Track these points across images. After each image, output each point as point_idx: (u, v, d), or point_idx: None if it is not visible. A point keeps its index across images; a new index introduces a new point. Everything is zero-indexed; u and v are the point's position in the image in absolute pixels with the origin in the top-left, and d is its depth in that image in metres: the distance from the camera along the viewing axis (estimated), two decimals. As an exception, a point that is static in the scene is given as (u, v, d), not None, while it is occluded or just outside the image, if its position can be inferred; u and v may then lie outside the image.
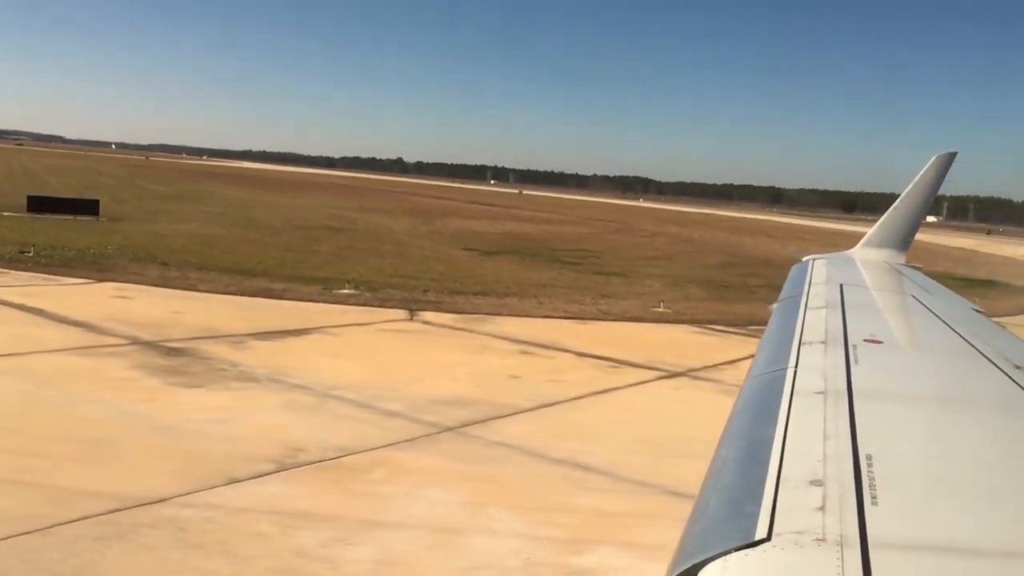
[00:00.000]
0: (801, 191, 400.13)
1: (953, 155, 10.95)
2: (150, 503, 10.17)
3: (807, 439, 2.84)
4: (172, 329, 19.92)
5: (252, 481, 11.19)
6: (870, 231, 11.55)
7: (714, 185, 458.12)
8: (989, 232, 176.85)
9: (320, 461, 12.13)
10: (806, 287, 7.13)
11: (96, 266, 28.86)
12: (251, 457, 11.99)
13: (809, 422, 3.05)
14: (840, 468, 2.54)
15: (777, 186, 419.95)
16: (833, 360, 4.17)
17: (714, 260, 54.21)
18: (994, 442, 3.16)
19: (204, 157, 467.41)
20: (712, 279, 42.23)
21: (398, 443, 13.23)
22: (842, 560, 1.93)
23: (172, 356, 17.48)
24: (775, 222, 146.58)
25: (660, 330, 26.14)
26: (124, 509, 9.91)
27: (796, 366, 4.04)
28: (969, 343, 5.08)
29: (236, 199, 79.15)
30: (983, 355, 4.69)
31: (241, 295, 25.92)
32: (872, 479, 2.46)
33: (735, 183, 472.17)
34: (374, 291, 28.52)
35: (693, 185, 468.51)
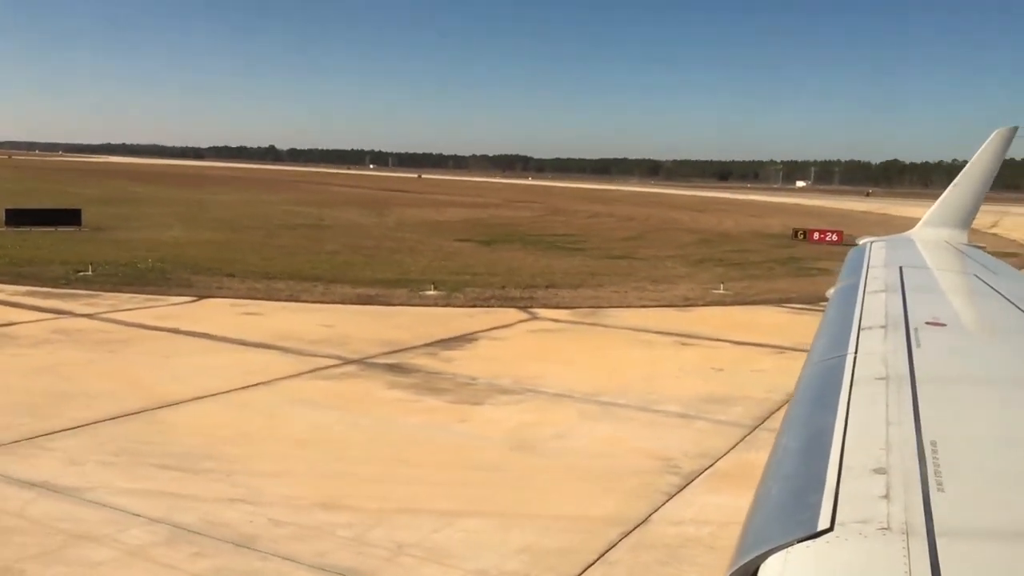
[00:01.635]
0: (676, 162, 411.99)
1: (1014, 130, 10.67)
2: (641, 524, 10.52)
3: (869, 426, 2.79)
4: (353, 344, 19.71)
5: (686, 493, 11.63)
6: (929, 211, 11.37)
7: (591, 160, 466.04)
8: (868, 194, 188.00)
9: (705, 469, 12.63)
10: (864, 271, 7.00)
11: (167, 281, 27.80)
12: (645, 471, 12.37)
13: (871, 409, 2.99)
14: (904, 455, 2.49)
15: (653, 158, 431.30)
16: (894, 345, 4.08)
17: (688, 239, 55.94)
18: None
19: (60, 153, 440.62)
20: (715, 257, 43.88)
21: (736, 446, 13.83)
22: (908, 549, 1.89)
23: (399, 372, 17.41)
24: (682, 195, 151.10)
25: (759, 312, 27.37)
26: (630, 532, 10.23)
27: (856, 352, 3.96)
28: None
29: (173, 199, 75.91)
30: None
31: (346, 303, 25.65)
32: (937, 466, 2.40)
33: (610, 157, 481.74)
34: (455, 291, 28.62)
35: (571, 161, 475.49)
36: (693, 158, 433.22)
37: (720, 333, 23.08)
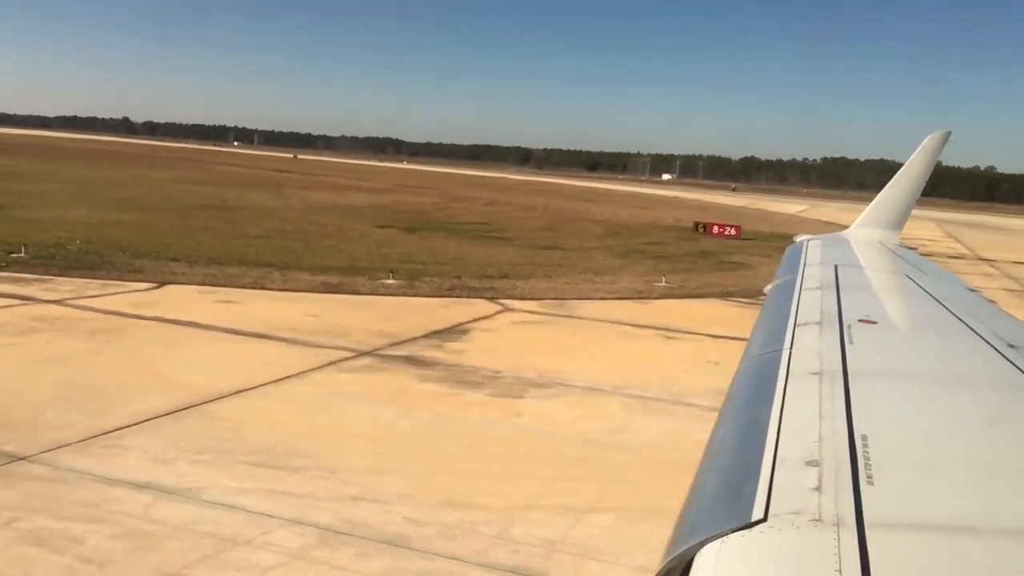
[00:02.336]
0: (546, 151, 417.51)
1: (947, 134, 11.01)
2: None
3: (803, 420, 2.86)
4: (353, 335, 19.46)
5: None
6: (864, 212, 11.76)
7: (464, 146, 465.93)
8: (734, 189, 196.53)
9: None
10: (800, 268, 7.17)
11: (110, 266, 26.44)
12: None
13: (805, 403, 3.06)
14: (836, 448, 2.55)
15: (523, 146, 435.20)
16: (828, 341, 4.18)
17: (598, 230, 57.19)
18: (988, 421, 3.14)
19: None
20: (636, 249, 45.11)
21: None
22: (838, 540, 1.94)
23: (418, 365, 17.37)
24: (563, 184, 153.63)
25: (712, 306, 28.53)
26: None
27: (791, 347, 4.05)
28: (963, 322, 5.12)
29: (54, 175, 71.36)
30: (977, 334, 4.73)
31: (314, 291, 25.18)
32: (867, 459, 2.46)
33: (481, 143, 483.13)
34: (413, 280, 28.53)
35: (443, 146, 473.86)
36: (562, 147, 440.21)
37: (693, 327, 24.01)
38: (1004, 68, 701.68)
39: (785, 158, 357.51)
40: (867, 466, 2.41)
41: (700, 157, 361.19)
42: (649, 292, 30.37)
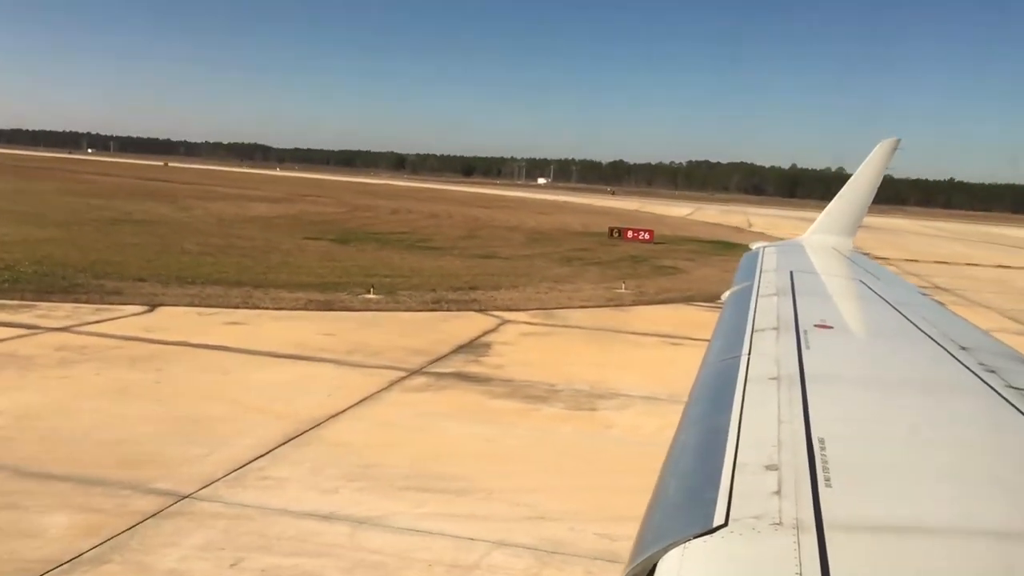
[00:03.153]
0: (420, 156, 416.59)
1: (897, 141, 11.22)
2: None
3: (762, 425, 2.88)
4: (387, 353, 19.45)
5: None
6: (818, 219, 12.04)
7: (335, 152, 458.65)
8: (613, 192, 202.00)
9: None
10: (757, 275, 7.26)
11: (81, 288, 25.27)
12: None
13: (763, 408, 3.09)
14: (795, 452, 2.58)
15: (396, 151, 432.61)
16: (785, 346, 4.23)
17: (518, 237, 57.87)
18: (942, 423, 3.19)
19: None
20: (571, 256, 45.99)
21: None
22: (798, 543, 1.98)
23: (475, 381, 17.59)
24: (450, 190, 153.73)
25: (687, 311, 29.72)
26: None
27: (749, 353, 4.09)
28: (916, 326, 5.19)
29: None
30: (930, 337, 4.81)
31: (308, 309, 24.88)
32: (826, 462, 2.50)
33: (352, 149, 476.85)
34: (390, 293, 28.54)
35: (313, 152, 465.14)
36: (436, 152, 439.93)
37: (687, 332, 25.01)
38: (849, 69, 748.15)
39: (653, 161, 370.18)
40: (825, 469, 2.45)
41: (573, 161, 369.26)
42: (620, 300, 31.31)
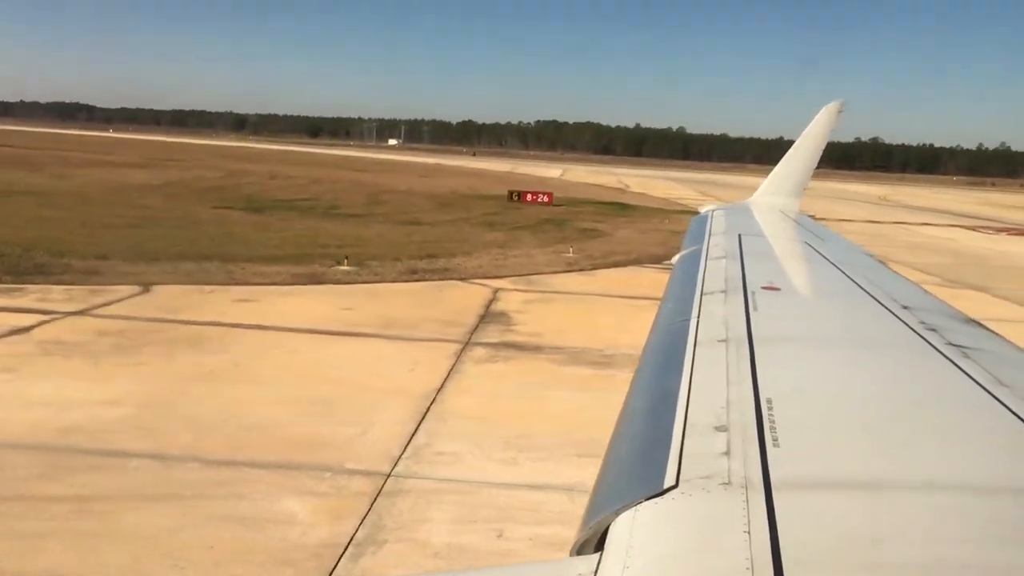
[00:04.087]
0: (261, 116, 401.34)
1: (841, 103, 11.28)
2: None
3: (711, 387, 2.94)
4: (424, 326, 19.66)
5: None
6: (765, 181, 12.21)
7: (166, 111, 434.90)
8: (475, 154, 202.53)
9: None
10: (706, 238, 7.31)
11: (48, 269, 23.97)
12: None
13: (712, 370, 3.16)
14: (743, 413, 2.64)
15: (235, 111, 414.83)
16: (733, 309, 4.29)
17: (423, 203, 57.48)
18: (886, 380, 3.31)
19: None
20: (491, 221, 46.45)
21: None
22: (747, 502, 2.02)
23: (529, 351, 18.22)
24: (312, 152, 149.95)
25: (650, 273, 31.15)
26: None
27: (699, 316, 4.13)
28: (860, 286, 5.24)
29: None
30: (873, 297, 4.87)
31: (297, 283, 24.61)
32: (773, 422, 2.55)
33: (185, 108, 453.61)
34: (359, 265, 28.46)
35: (142, 112, 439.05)
36: (278, 112, 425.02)
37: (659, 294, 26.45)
38: (686, 34, 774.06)
39: (502, 121, 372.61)
40: (772, 429, 2.49)
41: (424, 122, 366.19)
42: (576, 264, 32.37)
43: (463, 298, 23.80)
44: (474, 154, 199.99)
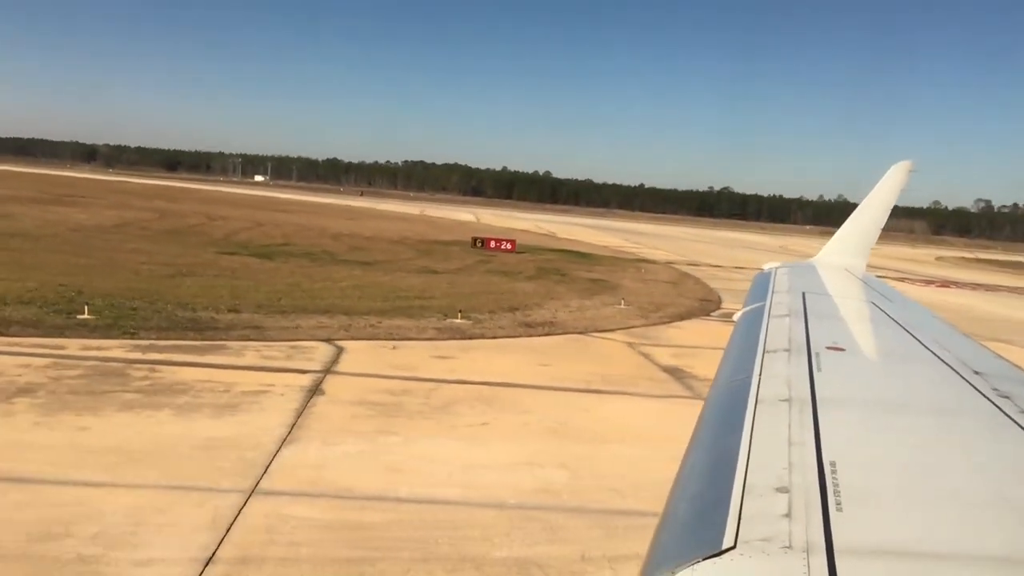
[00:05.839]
0: (112, 147, 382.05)
1: (910, 164, 11.36)
2: None
3: (772, 447, 2.87)
4: (643, 384, 20.89)
5: None
6: (831, 240, 12.13)
7: (5, 139, 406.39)
8: (362, 193, 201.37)
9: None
10: (769, 296, 7.21)
11: (194, 326, 23.53)
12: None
13: (774, 430, 3.08)
14: (805, 475, 2.57)
15: (82, 141, 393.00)
16: (797, 368, 4.20)
17: (403, 250, 56.98)
18: (955, 448, 3.19)
19: None
20: (499, 269, 47.33)
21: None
22: (808, 566, 1.98)
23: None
24: (200, 189, 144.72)
25: (717, 326, 33.14)
26: None
27: (760, 374, 4.06)
28: (929, 349, 5.20)
29: None
30: (943, 361, 4.82)
31: (451, 339, 25.12)
32: (836, 486, 2.49)
33: (26, 137, 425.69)
34: (472, 319, 28.98)
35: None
36: (130, 144, 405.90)
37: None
38: (557, 77, 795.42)
39: (368, 160, 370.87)
40: (836, 493, 2.45)
41: (292, 159, 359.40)
42: (646, 317, 33.89)
43: (618, 353, 25.00)
44: (361, 194, 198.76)
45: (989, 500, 2.61)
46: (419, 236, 69.76)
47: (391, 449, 14.03)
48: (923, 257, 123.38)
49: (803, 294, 7.27)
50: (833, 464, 2.66)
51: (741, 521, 2.20)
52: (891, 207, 11.24)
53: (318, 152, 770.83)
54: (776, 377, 3.94)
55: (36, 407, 14.56)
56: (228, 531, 10.26)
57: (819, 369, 4.16)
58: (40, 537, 9.70)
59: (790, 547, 2.05)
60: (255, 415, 15.26)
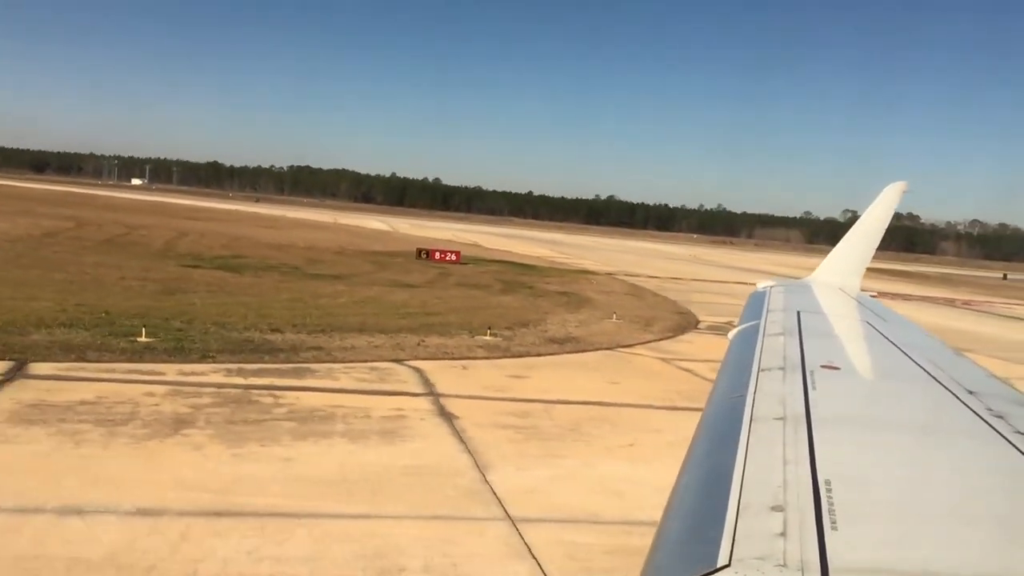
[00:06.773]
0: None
1: (904, 184, 11.27)
2: None
3: (767, 465, 2.88)
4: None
5: None
6: (825, 259, 12.12)
7: None
8: (258, 200, 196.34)
9: None
10: (764, 314, 7.27)
11: (252, 347, 23.22)
12: None
13: (769, 448, 3.08)
14: (800, 493, 2.58)
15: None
16: (792, 386, 4.22)
17: (356, 262, 56.91)
18: (949, 467, 3.21)
19: None
20: (459, 282, 47.67)
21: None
22: None
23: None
24: (89, 194, 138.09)
25: (712, 339, 34.60)
26: None
27: (755, 392, 4.06)
28: (923, 368, 5.22)
29: None
30: (936, 380, 4.83)
31: (502, 357, 25.50)
32: (831, 504, 2.50)
33: None
34: (496, 336, 29.47)
35: None
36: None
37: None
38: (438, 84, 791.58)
39: (251, 165, 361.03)
40: (831, 511, 2.46)
41: (171, 161, 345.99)
42: (647, 331, 34.94)
43: (662, 369, 25.91)
44: (257, 200, 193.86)
45: (983, 519, 2.64)
46: (355, 247, 68.93)
47: (581, 472, 14.36)
48: (807, 263, 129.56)
49: (798, 313, 7.26)
50: (828, 482, 2.66)
51: (736, 539, 2.21)
52: (885, 227, 11.31)
53: (198, 155, 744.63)
54: (771, 395, 3.96)
55: (216, 439, 14.25)
56: (536, 559, 10.57)
57: (814, 387, 4.17)
58: (379, 572, 9.80)
59: (785, 565, 2.04)
60: (421, 441, 15.38)
